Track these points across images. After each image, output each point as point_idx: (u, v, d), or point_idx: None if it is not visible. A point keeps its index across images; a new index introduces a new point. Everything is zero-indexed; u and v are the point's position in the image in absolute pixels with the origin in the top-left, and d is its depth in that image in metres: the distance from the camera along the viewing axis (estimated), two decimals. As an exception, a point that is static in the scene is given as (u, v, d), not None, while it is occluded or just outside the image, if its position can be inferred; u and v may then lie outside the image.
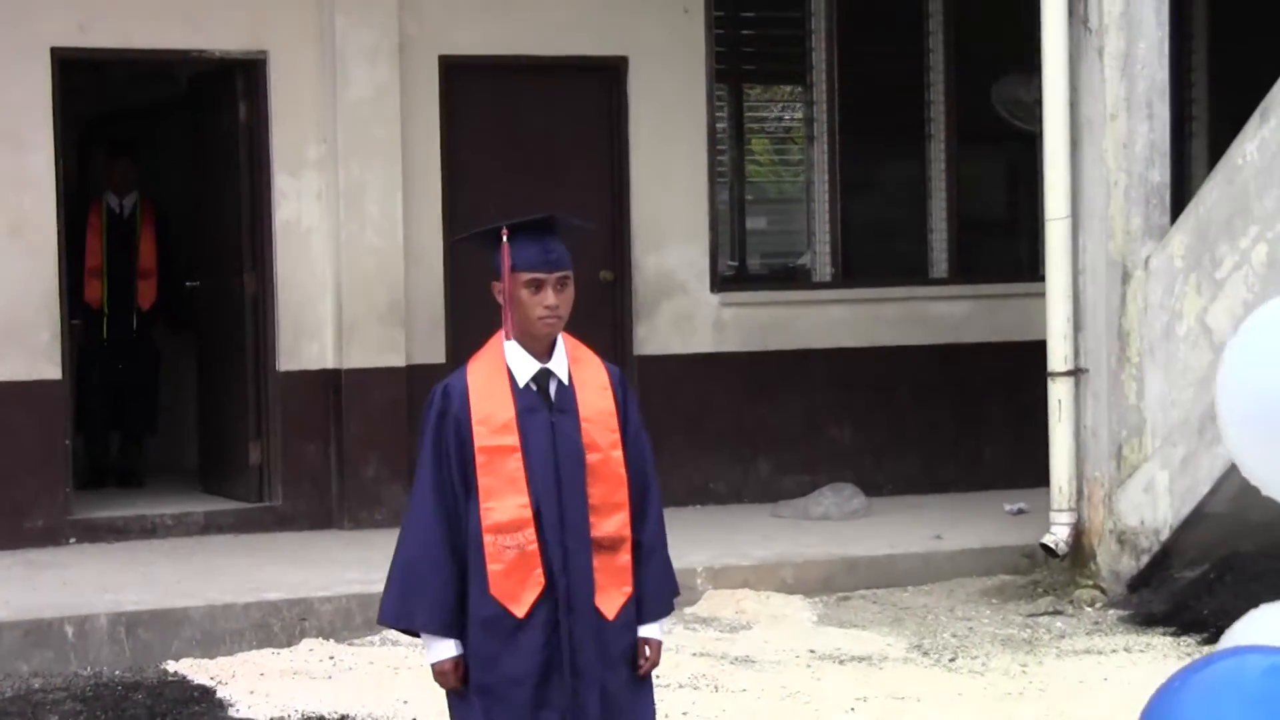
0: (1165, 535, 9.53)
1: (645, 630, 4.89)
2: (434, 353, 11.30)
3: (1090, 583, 9.77)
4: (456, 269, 11.36)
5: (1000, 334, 12.29)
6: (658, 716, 7.32)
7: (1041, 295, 10.12)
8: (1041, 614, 9.47)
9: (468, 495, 4.76)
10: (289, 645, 8.83)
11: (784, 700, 7.78)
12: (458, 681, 4.79)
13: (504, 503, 4.75)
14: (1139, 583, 9.64)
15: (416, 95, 11.26)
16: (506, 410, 4.79)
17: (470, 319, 11.47)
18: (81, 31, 10.70)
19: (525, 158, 11.59)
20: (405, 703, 7.79)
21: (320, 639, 8.89)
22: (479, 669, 4.77)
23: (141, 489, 12.12)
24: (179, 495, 11.71)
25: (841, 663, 8.40)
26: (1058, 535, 9.91)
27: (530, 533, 4.75)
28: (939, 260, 12.61)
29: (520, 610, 4.74)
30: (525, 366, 4.83)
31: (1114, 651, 8.70)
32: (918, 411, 12.30)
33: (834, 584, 9.98)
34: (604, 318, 11.67)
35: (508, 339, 4.83)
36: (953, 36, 12.54)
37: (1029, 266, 12.44)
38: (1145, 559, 9.63)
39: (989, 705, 7.71)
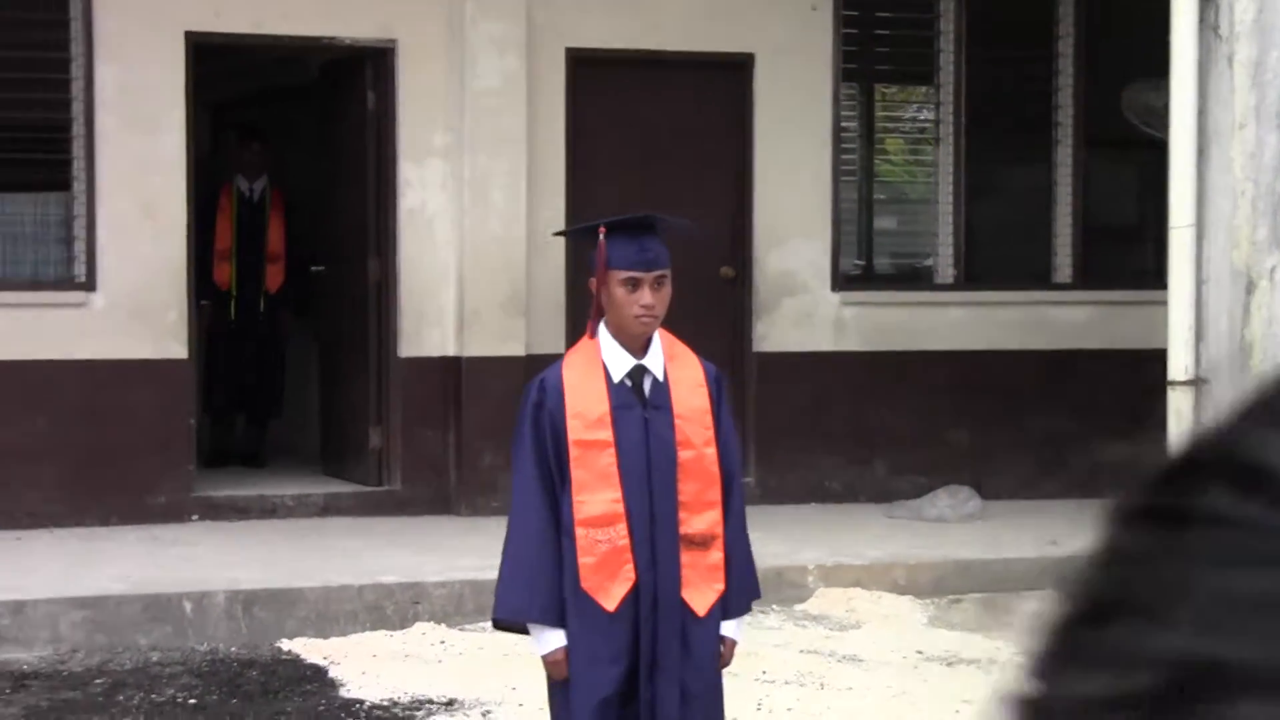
0: (1283, 548, 9.43)
1: (723, 628, 4.91)
2: (554, 343, 11.35)
3: (1204, 594, 9.69)
4: (578, 260, 11.41)
5: (1121, 341, 12.21)
6: (762, 711, 7.37)
7: (1164, 303, 10.03)
8: (1154, 623, 9.40)
9: (563, 488, 4.79)
10: (401, 628, 8.93)
11: (889, 700, 7.78)
12: (568, 671, 4.83)
13: (596, 497, 4.76)
14: (1254, 595, 9.55)
15: (543, 86, 11.33)
16: (601, 405, 4.81)
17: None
18: (216, 17, 10.86)
19: (649, 152, 11.64)
20: (513, 689, 7.85)
21: (432, 623, 8.98)
22: (570, 660, 4.81)
23: (263, 469, 12.29)
24: (300, 477, 11.86)
25: (950, 665, 8.39)
26: (1173, 545, 9.83)
27: (621, 528, 4.77)
28: (1062, 265, 12.54)
29: (610, 604, 4.77)
30: (620, 362, 4.84)
31: (1226, 663, 8.63)
32: (1036, 416, 12.24)
33: (946, 586, 9.96)
34: (724, 314, 11.70)
35: (590, 337, 4.86)
36: (1083, 41, 12.46)
37: (1153, 274, 12.33)
38: (1262, 572, 9.53)
39: (1096, 713, 7.67)
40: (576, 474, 4.77)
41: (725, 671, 5.05)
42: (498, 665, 8.27)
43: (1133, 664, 0.59)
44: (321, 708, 7.68)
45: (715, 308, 11.67)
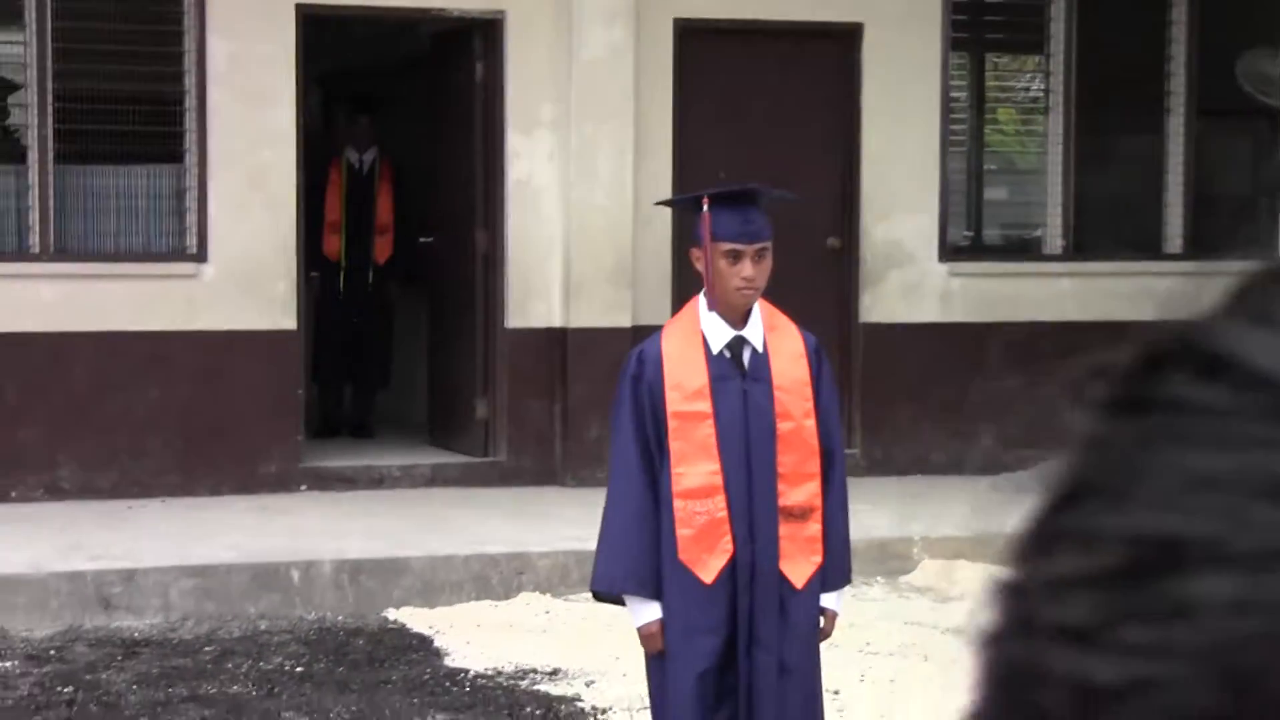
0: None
1: (823, 600, 4.89)
2: (660, 314, 11.34)
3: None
4: (684, 231, 11.41)
5: (1234, 312, 12.06)
6: (865, 682, 7.36)
7: (1277, 274, 9.91)
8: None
9: (661, 459, 4.76)
10: (506, 598, 8.98)
11: (994, 673, 7.74)
12: (663, 644, 4.81)
13: (695, 469, 4.73)
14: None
15: (650, 57, 11.32)
16: (699, 377, 4.77)
17: (697, 282, 11.52)
18: (326, -11, 10.94)
19: (756, 122, 11.61)
20: (617, 659, 7.88)
21: (537, 593, 9.03)
22: (668, 632, 4.79)
23: (371, 440, 12.36)
24: (407, 447, 11.93)
25: (1055, 638, 8.34)
26: None
27: (720, 500, 4.73)
28: (1173, 236, 12.42)
29: (708, 576, 4.73)
30: (720, 333, 4.82)
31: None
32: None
33: (1052, 559, 9.88)
34: (831, 285, 11.66)
35: (711, 309, 4.83)
36: (1196, 8, 12.31)
37: (1266, 244, 12.19)
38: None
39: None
40: (675, 445, 4.74)
41: (827, 643, 5.05)
42: (602, 635, 8.30)
43: (1095, 543, 0.62)
44: (427, 676, 7.74)
45: (822, 279, 11.63)
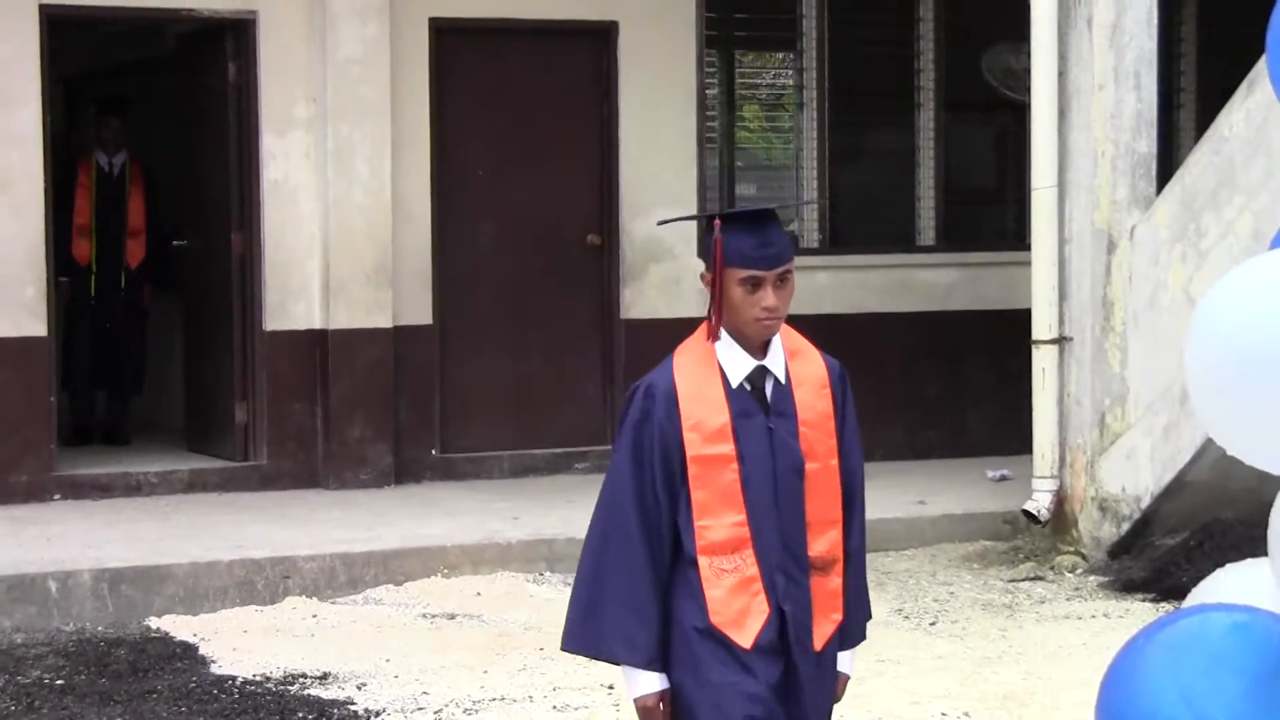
0: (1146, 503, 9.56)
1: (839, 661, 4.39)
2: (421, 314, 11.31)
3: (1071, 549, 9.81)
4: (445, 230, 11.38)
5: (986, 302, 12.32)
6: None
7: (1027, 264, 10.13)
8: (1022, 579, 9.51)
9: (673, 508, 4.22)
10: (272, 603, 8.86)
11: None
12: (665, 718, 4.25)
13: (720, 520, 4.19)
14: (1120, 550, 9.68)
15: (406, 56, 11.25)
16: (720, 415, 4.21)
17: (458, 280, 11.48)
18: (71, -12, 10.70)
19: (514, 120, 11.59)
20: (387, 660, 7.81)
21: (303, 597, 8.92)
22: (705, 710, 4.22)
23: (127, 447, 12.14)
24: (164, 453, 11.73)
25: (822, 626, 8.43)
26: (1040, 502, 9.94)
27: (749, 554, 4.19)
28: (926, 228, 12.63)
29: (746, 641, 4.20)
30: (739, 364, 4.24)
31: (1093, 617, 8.74)
32: (903, 378, 12.33)
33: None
34: (591, 281, 11.70)
35: (709, 339, 4.26)
36: (943, 5, 12.54)
37: (1015, 235, 12.46)
38: (1126, 526, 9.67)
39: (969, 669, 7.75)
40: (697, 495, 4.19)
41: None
42: (370, 638, 8.23)
43: None
44: (193, 685, 7.59)
45: (583, 275, 11.66)
